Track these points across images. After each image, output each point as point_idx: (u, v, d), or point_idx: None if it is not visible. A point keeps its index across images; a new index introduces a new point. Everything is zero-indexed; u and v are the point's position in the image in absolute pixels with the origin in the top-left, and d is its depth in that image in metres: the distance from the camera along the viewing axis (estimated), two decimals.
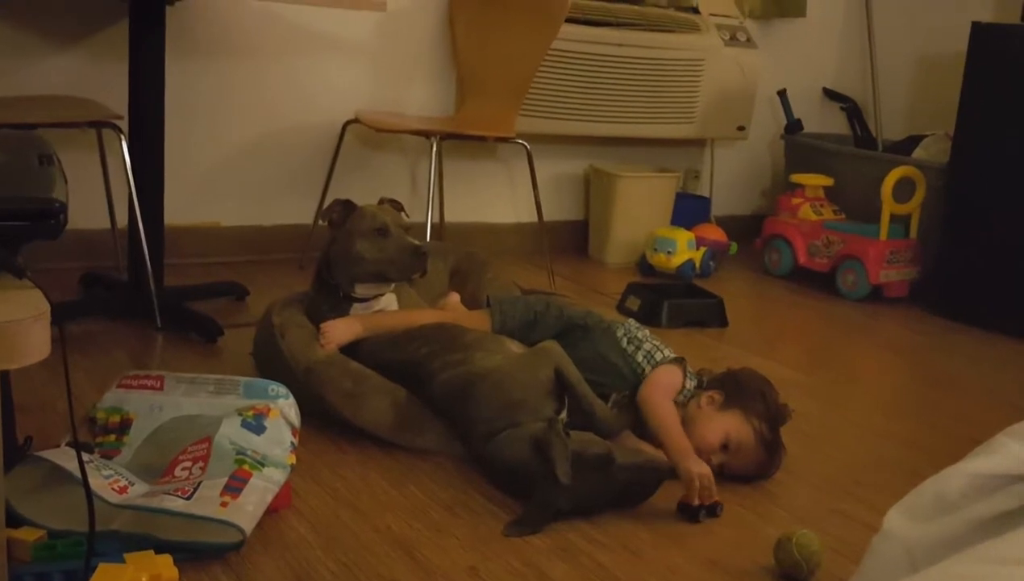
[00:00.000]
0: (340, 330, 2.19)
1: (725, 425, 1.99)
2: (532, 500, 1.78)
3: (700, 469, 1.85)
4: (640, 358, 2.15)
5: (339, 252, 2.26)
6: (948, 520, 0.70)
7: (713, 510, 1.86)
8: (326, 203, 3.26)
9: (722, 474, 1.97)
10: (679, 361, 2.14)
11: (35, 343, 1.01)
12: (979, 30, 3.47)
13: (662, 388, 2.07)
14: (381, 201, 2.37)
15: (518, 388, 1.96)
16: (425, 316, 2.28)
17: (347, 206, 2.29)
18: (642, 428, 2.05)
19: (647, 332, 2.23)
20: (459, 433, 2.03)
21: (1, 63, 2.95)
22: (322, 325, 2.20)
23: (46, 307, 1.03)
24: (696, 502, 1.83)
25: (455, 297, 2.53)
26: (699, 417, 2.03)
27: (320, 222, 2.33)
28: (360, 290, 2.27)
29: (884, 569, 0.72)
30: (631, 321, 2.27)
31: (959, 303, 3.49)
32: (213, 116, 3.28)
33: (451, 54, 3.56)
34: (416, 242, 2.23)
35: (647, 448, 1.99)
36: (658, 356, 2.15)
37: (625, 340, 2.19)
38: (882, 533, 0.75)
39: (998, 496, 0.69)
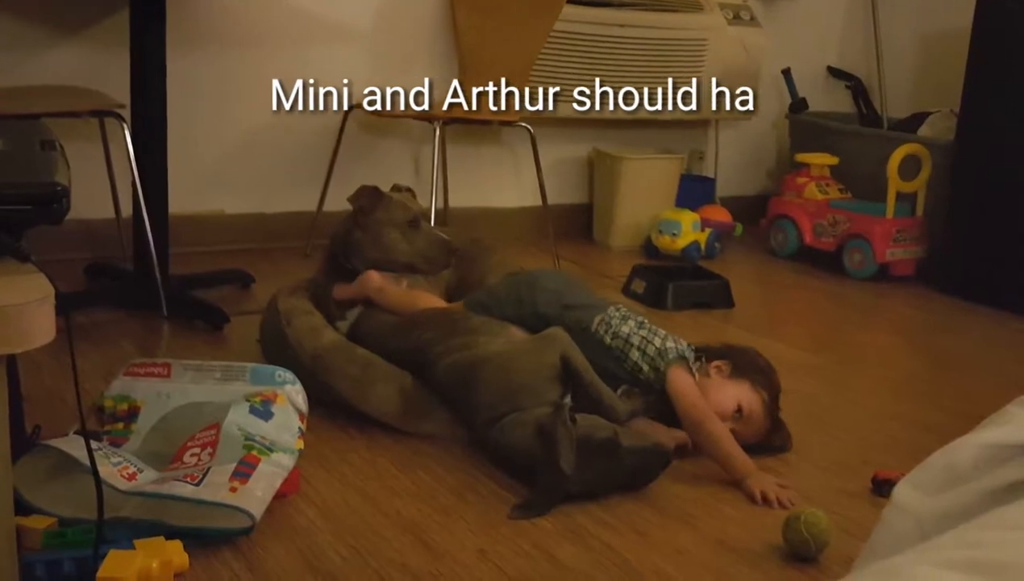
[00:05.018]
0: (376, 275, 2.23)
1: (737, 393, 2.02)
2: (538, 484, 1.79)
3: (763, 485, 1.87)
4: (636, 356, 2.05)
5: (366, 240, 2.25)
6: (959, 491, 0.70)
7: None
8: (328, 190, 3.30)
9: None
10: (681, 360, 2.04)
11: (40, 326, 1.00)
12: (984, 5, 3.45)
13: (691, 397, 1.98)
14: (395, 188, 2.35)
15: (522, 373, 1.95)
16: (424, 300, 2.28)
17: (375, 193, 2.26)
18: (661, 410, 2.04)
19: (631, 323, 2.10)
20: (463, 418, 2.03)
21: (3, 54, 2.95)
22: (361, 275, 2.23)
23: (50, 290, 1.03)
24: (775, 506, 1.83)
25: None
26: (710, 385, 2.04)
27: (354, 206, 2.27)
28: None
29: (894, 541, 0.71)
30: (611, 309, 2.14)
31: (966, 281, 3.48)
32: (215, 104, 3.27)
33: (453, 38, 3.54)
34: (446, 237, 2.21)
35: (660, 432, 1.98)
36: (650, 350, 2.04)
37: (609, 338, 2.08)
38: (892, 505, 0.75)
39: (1009, 466, 0.69)
